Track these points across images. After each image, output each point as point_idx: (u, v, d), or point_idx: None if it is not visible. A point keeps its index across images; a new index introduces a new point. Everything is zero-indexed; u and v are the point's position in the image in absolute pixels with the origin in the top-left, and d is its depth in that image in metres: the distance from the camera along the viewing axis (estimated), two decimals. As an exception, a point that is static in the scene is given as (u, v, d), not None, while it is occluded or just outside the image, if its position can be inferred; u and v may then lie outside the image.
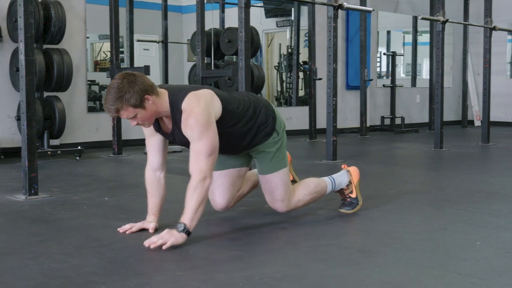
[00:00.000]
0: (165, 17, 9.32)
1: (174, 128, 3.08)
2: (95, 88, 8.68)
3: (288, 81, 10.53)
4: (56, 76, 6.31)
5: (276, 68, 10.89)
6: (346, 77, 10.16)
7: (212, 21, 8.68)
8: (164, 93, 3.03)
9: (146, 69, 6.46)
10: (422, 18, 7.51)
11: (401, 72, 12.14)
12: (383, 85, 10.79)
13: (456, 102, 12.33)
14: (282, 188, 3.38)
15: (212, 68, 8.31)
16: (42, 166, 5.59)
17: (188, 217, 2.91)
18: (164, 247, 2.82)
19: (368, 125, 9.96)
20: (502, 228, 3.35)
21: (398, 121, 10.59)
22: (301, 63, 10.15)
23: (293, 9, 9.99)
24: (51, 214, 3.72)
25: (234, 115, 3.19)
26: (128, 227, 3.21)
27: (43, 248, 2.91)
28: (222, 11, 9.46)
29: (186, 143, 3.09)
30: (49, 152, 6.24)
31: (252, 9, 5.45)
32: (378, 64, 11.30)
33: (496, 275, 2.52)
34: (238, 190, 3.57)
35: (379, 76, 11.35)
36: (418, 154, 7.32)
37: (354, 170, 3.71)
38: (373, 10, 8.22)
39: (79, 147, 6.48)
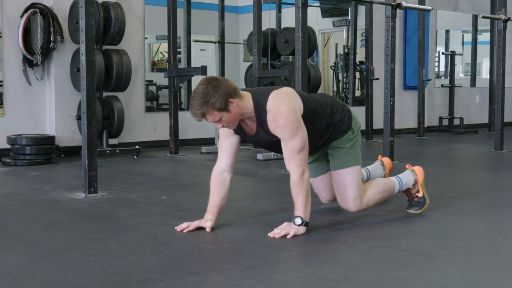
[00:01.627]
0: (221, 17, 9.37)
1: (259, 129, 3.19)
2: (153, 88, 8.79)
3: (344, 81, 10.47)
4: (115, 77, 6.42)
5: (333, 68, 10.83)
6: (403, 77, 10.02)
7: (268, 21, 8.68)
8: (247, 96, 3.14)
9: (203, 70, 6.51)
10: (483, 17, 7.37)
11: (460, 72, 11.92)
12: (442, 85, 10.61)
13: (517, 102, 12.03)
14: (354, 185, 3.44)
15: (269, 68, 8.31)
16: (101, 165, 5.68)
17: (301, 210, 3.12)
18: (288, 237, 3.04)
19: (425, 125, 9.80)
20: None
21: (456, 121, 10.39)
22: (358, 63, 10.07)
23: (350, 8, 9.93)
24: (110, 212, 3.78)
25: (314, 114, 3.29)
26: (185, 226, 3.25)
27: (102, 245, 2.96)
28: (279, 11, 9.45)
29: (269, 144, 3.26)
30: (108, 151, 6.35)
31: (309, 9, 5.43)
32: (436, 64, 11.12)
33: (561, 281, 2.45)
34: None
35: (438, 76, 11.16)
36: (478, 155, 7.17)
37: (418, 169, 3.74)
38: (432, 9, 8.10)
39: (137, 146, 6.57)
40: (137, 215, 3.67)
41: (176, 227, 3.27)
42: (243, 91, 3.15)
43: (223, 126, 3.12)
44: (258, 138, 3.25)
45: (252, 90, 3.22)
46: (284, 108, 3.08)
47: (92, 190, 4.27)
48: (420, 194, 3.67)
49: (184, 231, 3.22)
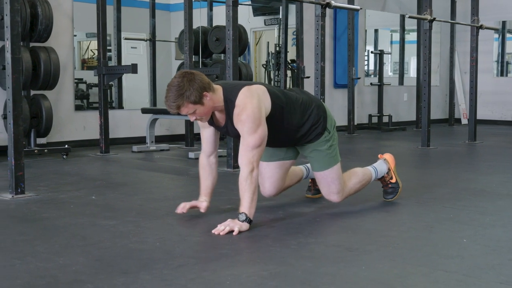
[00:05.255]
0: (153, 15, 9.29)
1: (227, 122, 3.31)
2: (83, 86, 8.64)
3: (275, 80, 10.52)
4: (43, 74, 6.28)
5: (264, 66, 10.88)
6: (334, 76, 10.17)
7: (200, 19, 8.66)
8: (219, 89, 3.25)
9: (134, 68, 6.45)
10: (410, 17, 7.54)
11: (389, 71, 12.17)
12: (371, 84, 10.82)
13: (443, 100, 12.38)
14: (337, 182, 3.62)
15: (200, 67, 8.29)
16: (29, 165, 5.56)
17: (246, 206, 3.18)
18: (234, 233, 3.08)
19: (355, 123, 9.98)
20: (488, 226, 3.37)
21: (385, 119, 10.62)
22: (289, 62, 10.15)
23: (281, 7, 9.99)
24: (38, 213, 3.70)
25: (284, 111, 3.39)
26: (182, 206, 3.48)
27: (29, 247, 2.89)
28: (210, 9, 9.44)
29: (238, 135, 3.33)
30: (36, 151, 6.21)
31: (240, 7, 5.44)
32: (365, 63, 11.32)
33: (482, 272, 2.54)
34: (285, 181, 3.81)
35: (367, 74, 11.36)
36: (405, 152, 7.34)
37: (389, 156, 4.00)
38: (361, 8, 8.24)
39: (66, 146, 6.45)
40: (66, 216, 3.61)
41: (176, 211, 3.47)
42: (215, 85, 3.25)
43: (196, 119, 3.23)
44: (227, 130, 3.37)
45: (223, 84, 3.31)
46: (249, 106, 3.17)
47: (19, 190, 4.17)
48: (393, 180, 3.94)
49: (184, 210, 3.46)
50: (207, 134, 3.48)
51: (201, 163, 3.54)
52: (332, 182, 3.60)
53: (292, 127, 3.46)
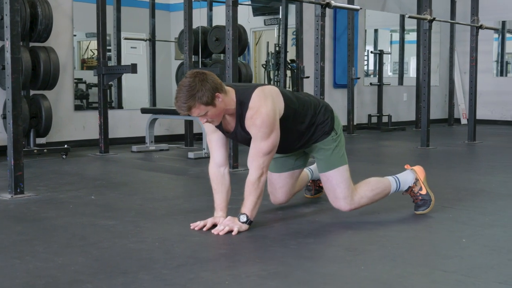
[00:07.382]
0: (152, 15, 9.29)
1: (237, 126, 3.19)
2: (82, 86, 8.64)
3: (275, 79, 10.53)
4: (43, 74, 6.27)
5: (264, 66, 10.88)
6: (333, 76, 10.17)
7: (199, 19, 8.66)
8: (231, 91, 3.13)
9: (133, 68, 6.45)
10: (409, 17, 7.54)
11: (388, 71, 12.17)
12: (370, 84, 10.82)
13: (443, 100, 12.37)
14: (343, 185, 3.42)
15: (200, 66, 8.29)
16: (28, 165, 5.55)
17: (249, 208, 3.15)
18: (233, 234, 3.06)
19: (355, 123, 9.98)
20: (487, 226, 3.38)
21: (385, 119, 10.62)
22: (289, 62, 10.15)
23: (281, 7, 9.99)
24: (37, 213, 3.70)
25: (296, 114, 3.30)
26: (202, 225, 3.22)
27: (28, 247, 2.89)
28: (210, 9, 9.44)
29: (247, 140, 3.22)
30: (35, 151, 6.20)
31: (240, 7, 5.44)
32: (365, 63, 11.31)
33: (481, 272, 2.54)
34: (295, 188, 3.75)
35: (367, 74, 11.36)
36: (405, 152, 7.34)
37: (418, 168, 3.73)
38: (361, 8, 8.23)
39: (65, 146, 6.45)
40: (65, 216, 3.61)
41: (191, 225, 3.23)
42: (227, 87, 3.14)
43: (207, 121, 3.10)
44: (236, 135, 3.26)
45: (236, 86, 3.21)
46: (264, 109, 3.08)
47: (18, 190, 4.17)
48: (423, 192, 3.64)
49: (204, 229, 3.18)
50: (216, 138, 3.30)
51: (212, 175, 3.33)
52: (338, 185, 3.41)
53: (302, 129, 3.36)
